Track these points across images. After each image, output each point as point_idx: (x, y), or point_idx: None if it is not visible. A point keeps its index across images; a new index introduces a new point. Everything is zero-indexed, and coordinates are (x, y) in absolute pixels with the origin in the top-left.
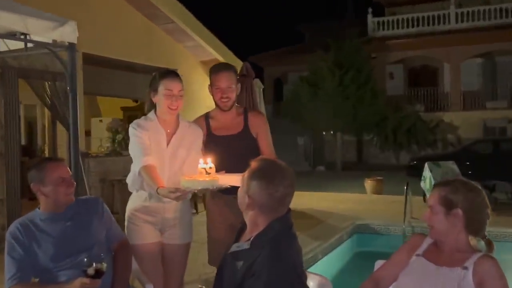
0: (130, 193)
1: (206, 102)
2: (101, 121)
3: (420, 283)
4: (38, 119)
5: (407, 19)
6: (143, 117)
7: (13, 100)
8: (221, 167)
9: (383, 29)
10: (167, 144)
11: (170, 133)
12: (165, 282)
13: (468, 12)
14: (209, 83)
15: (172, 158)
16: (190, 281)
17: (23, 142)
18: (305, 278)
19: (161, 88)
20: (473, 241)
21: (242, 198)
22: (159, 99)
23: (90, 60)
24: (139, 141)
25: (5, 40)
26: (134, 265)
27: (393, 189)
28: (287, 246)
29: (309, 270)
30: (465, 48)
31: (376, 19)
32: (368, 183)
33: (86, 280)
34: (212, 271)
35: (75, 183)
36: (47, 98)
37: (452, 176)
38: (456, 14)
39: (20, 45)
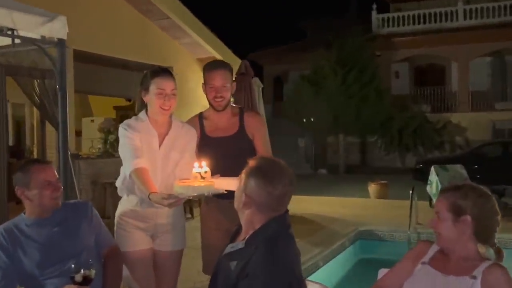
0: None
1: (202, 101)
2: (92, 121)
3: None
4: (26, 119)
5: (413, 16)
6: (133, 117)
7: (0, 98)
8: (215, 170)
9: (388, 26)
10: (159, 146)
11: (162, 134)
12: None
13: (476, 9)
14: (202, 82)
15: (164, 160)
16: None
17: (10, 142)
18: (305, 286)
19: (153, 87)
20: (482, 249)
21: (238, 196)
22: (151, 98)
23: (81, 57)
24: (129, 142)
25: None
26: (125, 271)
27: (398, 194)
28: (284, 247)
29: (309, 278)
30: (473, 46)
31: (380, 16)
32: (372, 187)
33: (73, 287)
34: (207, 279)
35: (62, 187)
36: (36, 97)
37: (460, 180)
38: (464, 10)
39: (7, 41)
